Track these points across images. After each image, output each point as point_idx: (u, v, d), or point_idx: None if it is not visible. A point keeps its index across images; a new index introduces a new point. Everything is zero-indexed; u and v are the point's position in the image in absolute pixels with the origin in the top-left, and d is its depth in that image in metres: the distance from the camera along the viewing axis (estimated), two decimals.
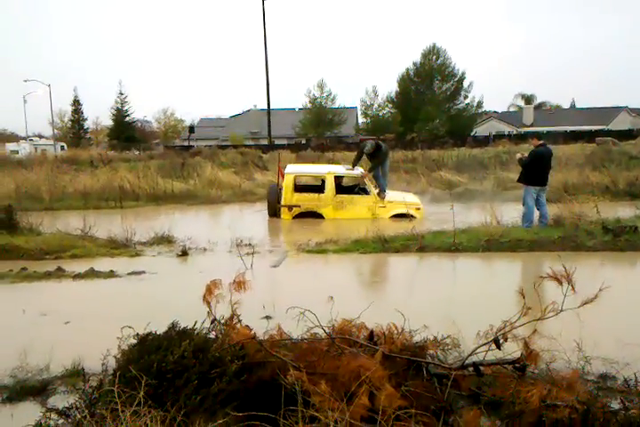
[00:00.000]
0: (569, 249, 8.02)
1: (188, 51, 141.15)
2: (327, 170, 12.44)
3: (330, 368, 3.12)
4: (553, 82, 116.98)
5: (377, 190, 12.08)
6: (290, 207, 11.84)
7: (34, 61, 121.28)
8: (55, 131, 59.31)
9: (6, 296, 6.47)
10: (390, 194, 12.37)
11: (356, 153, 13.19)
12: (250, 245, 8.72)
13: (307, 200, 11.89)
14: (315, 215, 11.85)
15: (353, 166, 12.43)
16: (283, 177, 12.05)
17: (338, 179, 12.23)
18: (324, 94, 49.66)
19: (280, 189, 12.03)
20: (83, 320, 5.21)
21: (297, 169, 12.69)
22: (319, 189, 12.14)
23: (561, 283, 3.27)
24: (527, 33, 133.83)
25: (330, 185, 11.84)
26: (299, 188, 12.17)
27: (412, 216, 11.69)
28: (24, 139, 55.11)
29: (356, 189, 12.44)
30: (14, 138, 60.97)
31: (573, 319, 3.43)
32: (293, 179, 11.92)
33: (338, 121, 49.49)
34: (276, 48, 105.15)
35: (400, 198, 12.22)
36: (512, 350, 3.40)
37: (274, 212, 12.06)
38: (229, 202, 15.81)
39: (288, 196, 11.83)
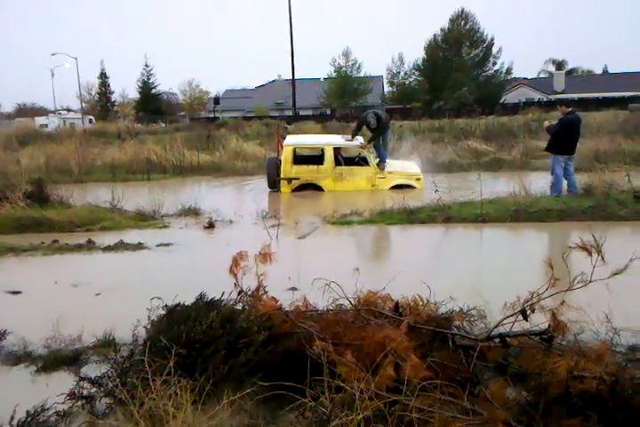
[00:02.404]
0: (599, 219, 7.86)
1: (212, 21, 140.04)
2: (326, 141, 12.21)
3: (355, 339, 3.14)
4: (585, 46, 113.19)
5: (377, 160, 11.86)
6: (289, 180, 11.64)
7: (60, 35, 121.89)
8: (83, 104, 59.70)
9: (39, 268, 6.62)
10: (391, 164, 12.15)
11: (355, 124, 12.93)
12: (275, 217, 8.76)
13: (306, 172, 11.68)
14: (314, 188, 11.68)
15: (352, 137, 12.16)
16: (282, 149, 11.85)
17: (337, 150, 11.96)
18: (350, 63, 48.92)
19: (279, 161, 11.82)
20: (113, 292, 5.32)
21: (296, 140, 12.40)
22: (318, 160, 11.86)
23: (590, 253, 3.21)
24: None
25: (329, 157, 11.62)
26: (298, 160, 11.90)
27: (412, 187, 11.58)
28: (53, 112, 55.60)
29: (357, 159, 12.11)
30: (43, 112, 61.53)
31: (603, 290, 3.38)
32: (292, 151, 11.68)
33: (363, 90, 48.75)
34: (300, 16, 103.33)
35: (400, 168, 12.04)
36: (539, 321, 3.37)
37: (273, 184, 11.92)
38: (254, 174, 15.79)
39: (287, 168, 11.62)
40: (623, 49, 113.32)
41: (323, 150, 11.82)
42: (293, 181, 11.67)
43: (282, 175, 11.68)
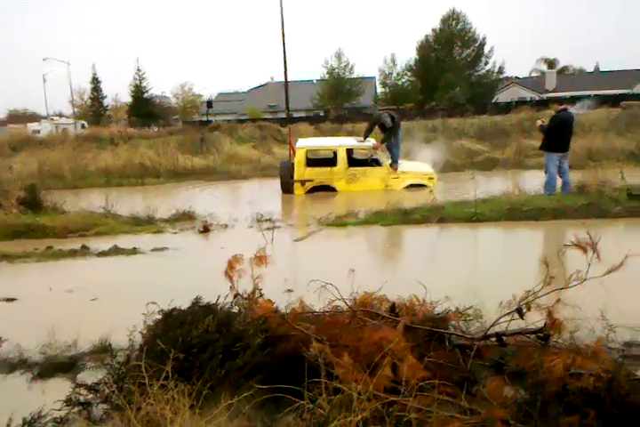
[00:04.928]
0: (593, 216, 7.89)
1: (204, 24, 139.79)
2: (338, 143, 12.34)
3: (352, 340, 3.14)
4: (576, 44, 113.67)
5: (389, 161, 11.98)
6: (303, 182, 11.77)
7: (52, 40, 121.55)
8: (75, 109, 59.48)
9: (33, 274, 6.60)
10: (403, 164, 12.26)
11: (367, 125, 13.04)
12: (270, 220, 8.75)
13: (319, 174, 11.82)
14: (328, 189, 11.78)
15: (364, 138, 12.31)
16: (294, 152, 11.97)
17: (349, 151, 12.10)
18: (342, 64, 48.91)
19: (292, 165, 11.95)
20: (108, 297, 5.30)
21: (308, 143, 12.55)
22: (331, 162, 12.03)
23: (585, 251, 3.22)
24: None
25: (342, 158, 11.74)
26: (311, 162, 12.05)
27: (425, 186, 11.66)
28: (45, 118, 55.42)
29: (369, 160, 12.33)
30: (35, 117, 61.34)
31: (598, 288, 3.39)
32: (305, 153, 11.82)
33: (356, 91, 48.76)
34: (292, 18, 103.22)
35: (413, 168, 12.17)
36: (535, 319, 3.38)
37: (287, 187, 12.01)
38: (249, 177, 15.80)
39: (300, 170, 11.75)
40: (614, 47, 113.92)
41: (335, 152, 11.93)
42: (307, 183, 11.78)
43: (295, 178, 11.79)
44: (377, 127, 12.60)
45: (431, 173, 12.04)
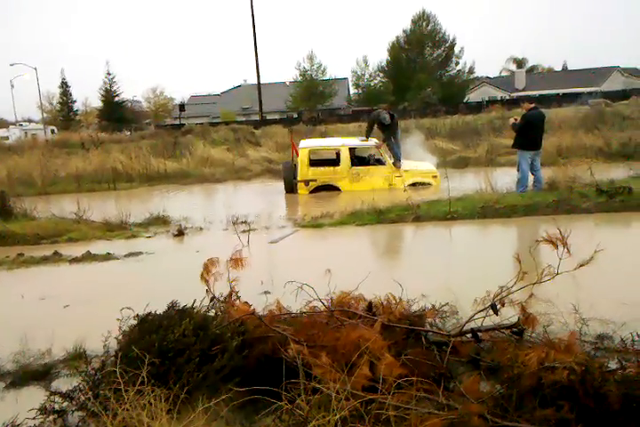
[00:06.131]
0: (563, 212, 8.02)
1: (175, 27, 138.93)
2: (341, 142, 12.42)
3: (330, 340, 3.14)
4: (544, 44, 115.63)
5: (392, 160, 12.07)
6: (306, 182, 11.84)
7: (19, 45, 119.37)
8: (44, 114, 58.54)
9: (4, 282, 6.47)
10: (406, 163, 12.35)
11: (367, 124, 13.09)
12: (245, 222, 8.71)
13: (323, 174, 11.88)
14: (332, 188, 11.84)
15: (366, 137, 12.41)
16: (297, 153, 12.01)
17: (352, 151, 12.17)
18: (314, 66, 49.00)
19: (295, 165, 12.02)
20: (82, 303, 5.21)
21: (311, 143, 12.61)
22: (334, 162, 12.10)
23: (556, 246, 3.27)
24: None
25: (345, 157, 11.82)
26: (314, 162, 12.10)
27: (429, 184, 11.79)
28: (13, 124, 54.44)
29: (371, 160, 12.41)
30: (4, 123, 60.20)
31: (570, 282, 3.46)
32: (308, 153, 11.87)
33: (329, 93, 48.90)
34: (264, 20, 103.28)
35: (416, 167, 12.28)
36: (509, 315, 3.43)
37: (290, 188, 12.06)
38: (223, 180, 15.71)
39: (304, 170, 11.80)
40: (582, 45, 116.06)
41: (338, 152, 12.00)
42: (310, 183, 11.83)
43: (299, 178, 11.83)
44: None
45: (434, 172, 12.11)
